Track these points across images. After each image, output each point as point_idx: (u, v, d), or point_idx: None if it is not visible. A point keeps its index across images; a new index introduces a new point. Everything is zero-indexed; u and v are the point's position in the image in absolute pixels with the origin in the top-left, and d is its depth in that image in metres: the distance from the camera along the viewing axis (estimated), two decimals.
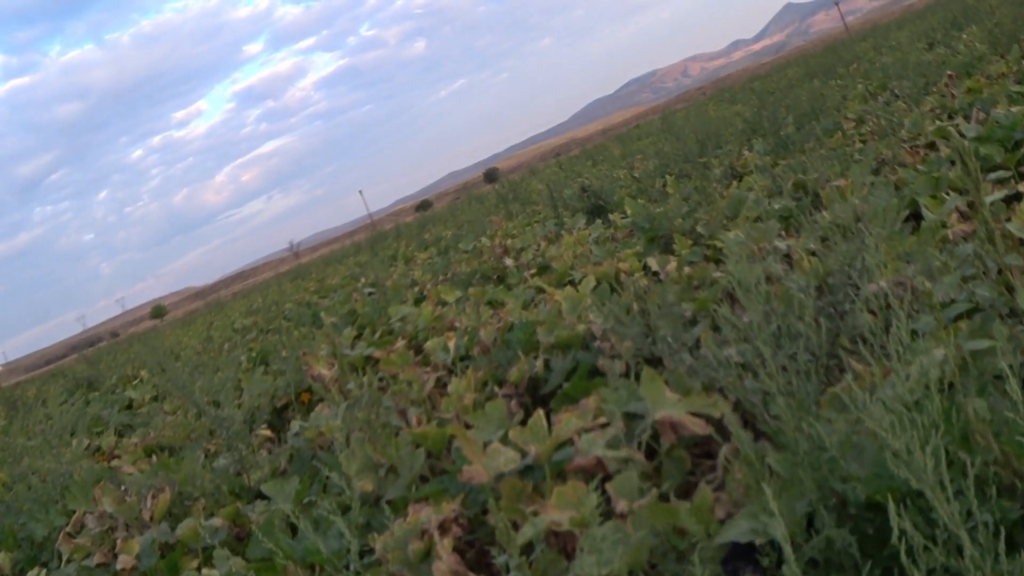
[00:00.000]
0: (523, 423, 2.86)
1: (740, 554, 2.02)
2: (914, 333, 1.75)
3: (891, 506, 1.39)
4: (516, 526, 2.32)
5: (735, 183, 7.94)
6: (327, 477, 3.18)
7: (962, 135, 5.34)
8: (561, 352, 4.09)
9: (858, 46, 25.46)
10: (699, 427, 2.56)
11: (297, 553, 2.69)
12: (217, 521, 3.58)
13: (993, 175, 4.60)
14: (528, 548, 2.31)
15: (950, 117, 7.25)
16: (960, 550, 1.42)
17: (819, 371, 2.20)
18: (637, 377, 2.83)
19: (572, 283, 5.75)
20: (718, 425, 2.50)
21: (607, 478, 2.38)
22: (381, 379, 4.85)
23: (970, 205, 4.11)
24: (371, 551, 2.58)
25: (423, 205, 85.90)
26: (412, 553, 2.47)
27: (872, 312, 2.46)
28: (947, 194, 4.44)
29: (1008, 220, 3.12)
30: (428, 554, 2.46)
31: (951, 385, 1.86)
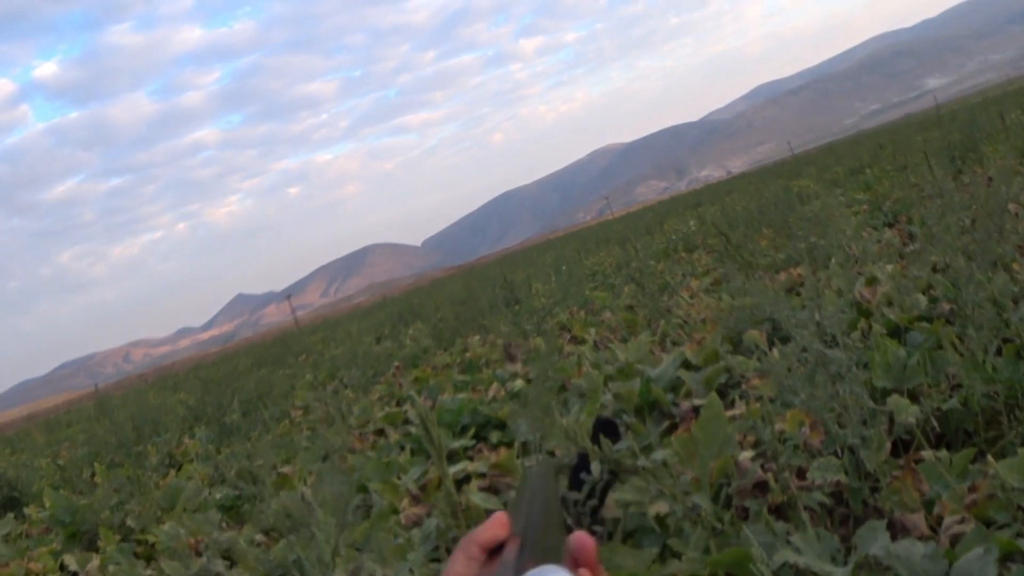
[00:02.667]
0: None
1: None
2: None
3: None
4: None
5: (173, 472, 7.58)
6: None
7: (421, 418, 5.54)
8: None
9: (308, 338, 26.65)
10: None
11: None
12: None
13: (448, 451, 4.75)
14: None
15: (398, 404, 7.59)
16: None
17: None
18: None
19: None
20: None
21: None
22: None
23: (423, 488, 4.15)
24: None
25: None
26: None
27: None
28: (398, 478, 4.48)
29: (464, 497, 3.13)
30: None
31: None
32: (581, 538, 0.81)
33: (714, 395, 2.55)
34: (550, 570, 0.76)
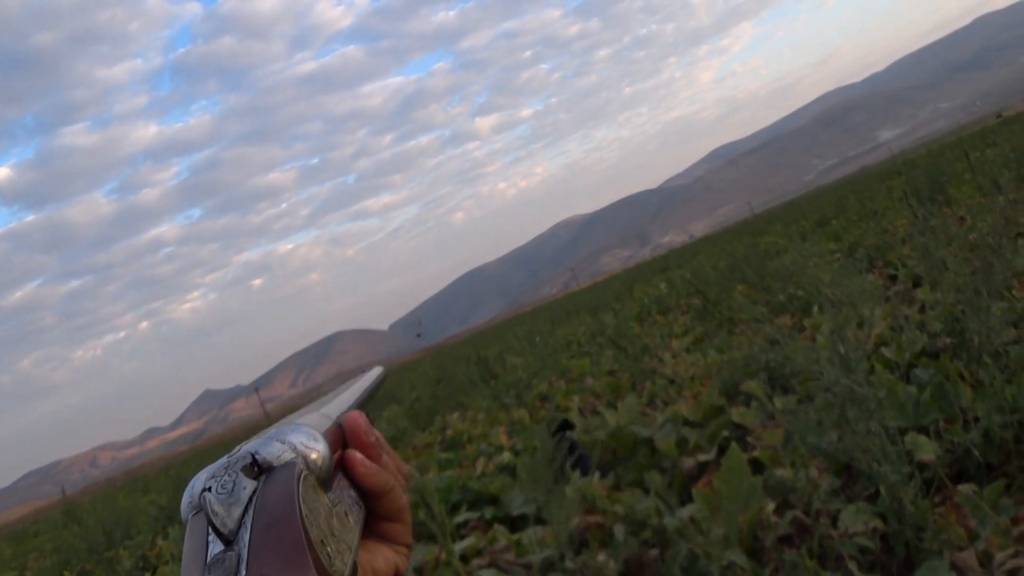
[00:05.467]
0: None
1: None
2: None
3: None
4: None
5: (149, 574, 7.32)
6: None
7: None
8: None
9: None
10: None
11: None
12: None
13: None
14: None
15: None
16: None
17: None
18: None
19: None
20: None
21: None
22: None
23: (418, 571, 3.97)
24: None
25: None
26: None
27: None
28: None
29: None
30: None
31: None
32: (351, 416, 0.75)
33: (735, 446, 2.42)
34: (292, 428, 0.66)
